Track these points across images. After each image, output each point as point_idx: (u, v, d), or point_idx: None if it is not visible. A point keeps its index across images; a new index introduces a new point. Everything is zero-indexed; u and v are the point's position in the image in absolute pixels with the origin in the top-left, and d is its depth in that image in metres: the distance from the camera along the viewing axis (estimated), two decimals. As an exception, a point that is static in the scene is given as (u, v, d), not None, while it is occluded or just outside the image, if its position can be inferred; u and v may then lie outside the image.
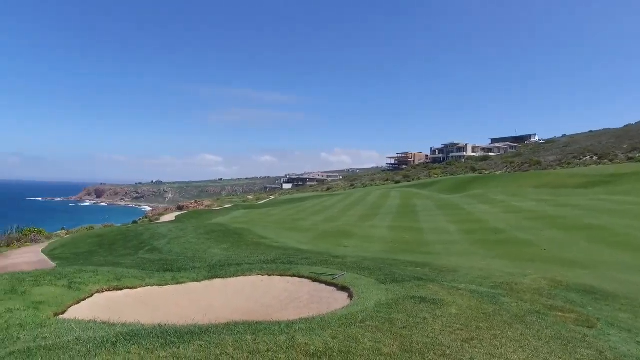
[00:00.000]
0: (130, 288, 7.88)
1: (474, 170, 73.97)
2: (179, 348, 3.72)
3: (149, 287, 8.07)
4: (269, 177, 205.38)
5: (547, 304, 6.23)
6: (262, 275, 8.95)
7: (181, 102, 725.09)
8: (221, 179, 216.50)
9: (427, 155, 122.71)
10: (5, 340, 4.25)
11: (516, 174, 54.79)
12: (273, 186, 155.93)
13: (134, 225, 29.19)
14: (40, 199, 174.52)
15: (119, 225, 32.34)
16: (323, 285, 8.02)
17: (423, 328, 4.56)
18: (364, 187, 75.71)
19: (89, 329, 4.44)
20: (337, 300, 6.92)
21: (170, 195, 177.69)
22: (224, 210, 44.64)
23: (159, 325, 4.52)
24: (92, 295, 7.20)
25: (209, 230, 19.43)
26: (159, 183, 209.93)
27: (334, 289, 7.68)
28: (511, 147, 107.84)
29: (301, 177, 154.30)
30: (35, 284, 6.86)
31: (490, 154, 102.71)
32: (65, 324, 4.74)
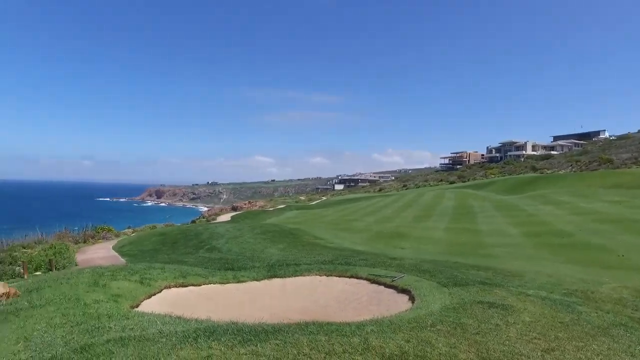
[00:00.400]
0: (195, 285, 8.26)
1: (534, 169, 69.81)
2: (256, 346, 3.81)
3: (212, 284, 8.42)
4: (320, 178, 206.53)
5: (633, 317, 5.72)
6: (320, 275, 9.02)
7: (235, 106, 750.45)
8: (273, 180, 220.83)
9: (482, 155, 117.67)
10: (100, 328, 4.61)
11: (583, 174, 50.97)
12: (325, 187, 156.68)
13: (193, 225, 30.53)
14: (108, 199, 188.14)
15: (179, 224, 33.93)
16: (382, 287, 7.94)
17: (497, 335, 4.35)
18: (417, 187, 74.07)
19: (167, 323, 4.70)
20: (397, 303, 6.81)
21: (224, 196, 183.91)
22: (278, 211, 45.47)
23: (233, 323, 4.67)
24: (160, 291, 7.63)
25: (265, 231, 19.89)
26: (214, 184, 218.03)
27: (394, 291, 7.58)
28: (576, 144, 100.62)
29: (353, 177, 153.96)
30: (112, 278, 7.38)
31: (553, 152, 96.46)
32: (146, 317, 5.04)
